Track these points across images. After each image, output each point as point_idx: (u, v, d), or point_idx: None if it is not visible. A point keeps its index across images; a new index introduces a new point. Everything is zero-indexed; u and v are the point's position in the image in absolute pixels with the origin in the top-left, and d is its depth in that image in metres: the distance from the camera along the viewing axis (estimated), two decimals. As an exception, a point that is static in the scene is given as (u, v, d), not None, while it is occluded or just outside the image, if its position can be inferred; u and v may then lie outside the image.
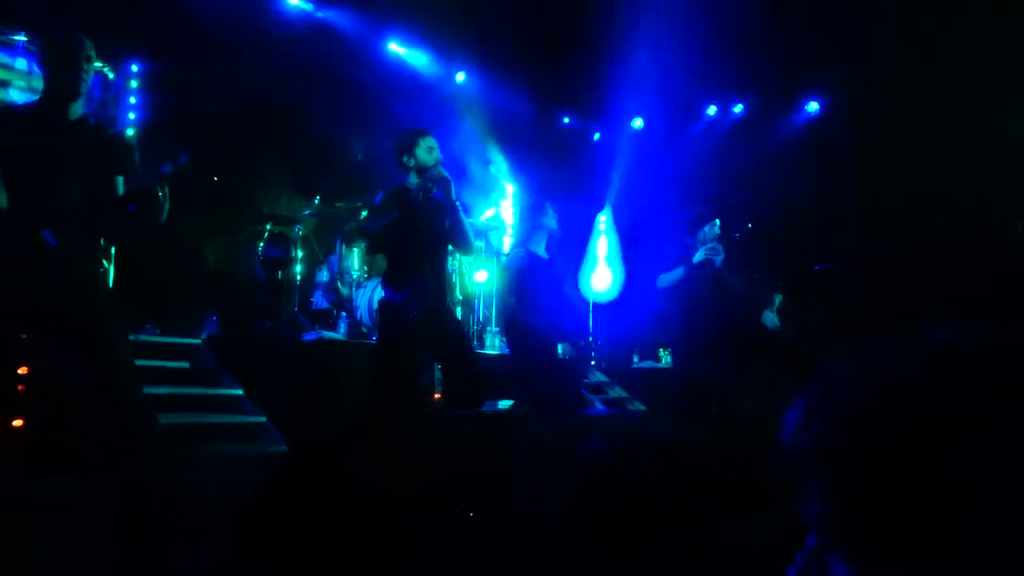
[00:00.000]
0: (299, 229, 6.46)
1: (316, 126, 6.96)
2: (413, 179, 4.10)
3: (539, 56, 7.53)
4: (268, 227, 6.50)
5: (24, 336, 3.17)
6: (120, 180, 3.27)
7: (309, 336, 5.77)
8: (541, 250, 4.96)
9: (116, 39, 5.29)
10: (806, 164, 7.95)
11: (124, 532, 2.35)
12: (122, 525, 2.37)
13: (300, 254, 6.45)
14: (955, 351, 0.55)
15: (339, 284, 6.55)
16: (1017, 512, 0.49)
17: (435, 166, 4.07)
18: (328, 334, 5.98)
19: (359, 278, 6.45)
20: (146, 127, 6.08)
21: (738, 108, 9.15)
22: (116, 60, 5.81)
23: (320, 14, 7.04)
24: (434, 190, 4.05)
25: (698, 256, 4.84)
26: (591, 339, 7.92)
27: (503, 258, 6.93)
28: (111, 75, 5.67)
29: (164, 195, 3.10)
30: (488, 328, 7.25)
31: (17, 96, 5.46)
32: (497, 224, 7.69)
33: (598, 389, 7.16)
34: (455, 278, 6.18)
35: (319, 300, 6.81)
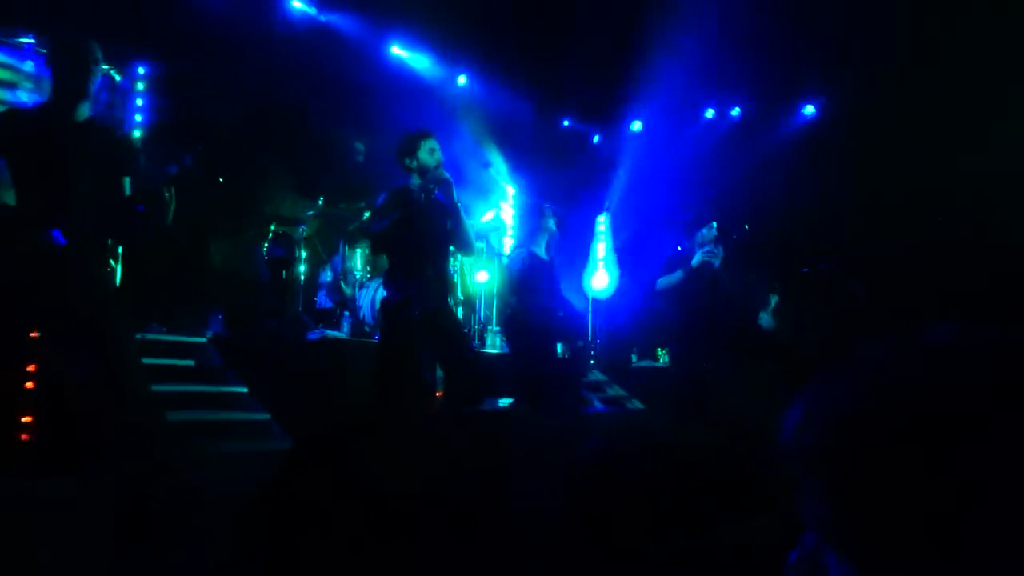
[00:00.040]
0: (303, 230, 6.45)
1: (319, 128, 6.96)
2: (415, 180, 4.09)
3: (539, 59, 7.53)
4: (272, 228, 6.49)
5: (33, 334, 3.16)
6: (127, 181, 3.28)
7: (313, 335, 5.77)
8: (541, 251, 4.96)
9: (123, 42, 5.29)
10: (806, 164, 7.91)
11: (126, 531, 2.34)
12: (123, 524, 2.36)
13: (304, 254, 6.44)
14: (955, 351, 0.54)
15: (342, 284, 6.55)
16: (1017, 512, 0.49)
17: (437, 168, 4.07)
18: (332, 333, 5.98)
19: (362, 278, 6.45)
20: (152, 129, 6.08)
21: (735, 111, 9.14)
22: (123, 62, 5.80)
23: (323, 17, 7.05)
24: (436, 191, 4.05)
25: (696, 259, 4.84)
26: (590, 338, 7.92)
27: (504, 259, 6.93)
28: (118, 77, 5.65)
29: (170, 196, 3.10)
30: (489, 327, 7.24)
31: (26, 98, 5.45)
32: (497, 225, 7.69)
33: (597, 388, 7.16)
34: (456, 278, 6.17)
35: (323, 300, 6.81)
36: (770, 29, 6.52)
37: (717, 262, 4.84)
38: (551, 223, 5.02)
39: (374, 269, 6.45)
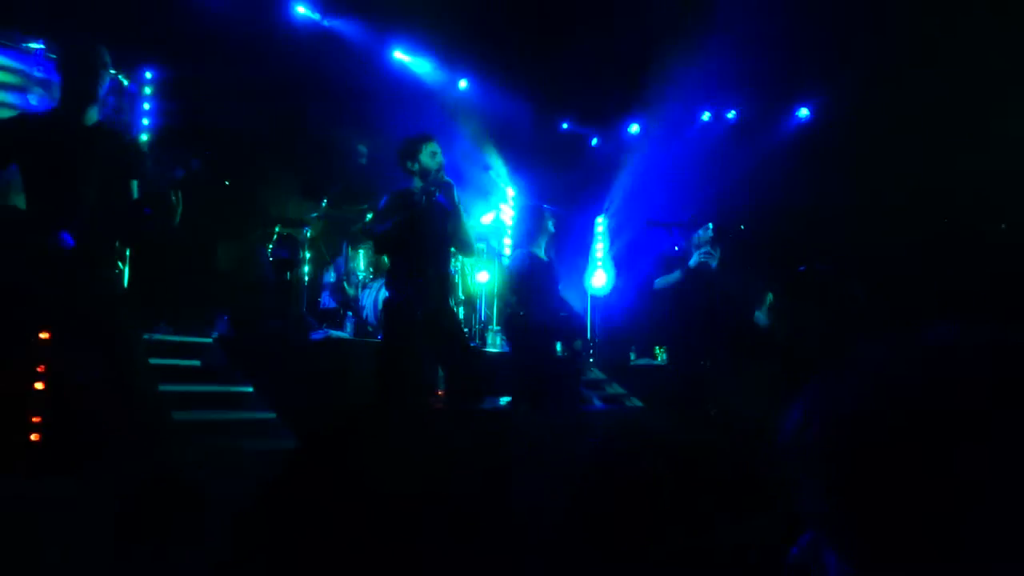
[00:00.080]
0: (307, 232, 6.45)
1: (323, 132, 6.96)
2: (417, 183, 4.09)
3: (538, 64, 7.52)
4: (277, 230, 6.49)
5: (42, 335, 3.16)
6: (135, 184, 3.27)
7: (317, 335, 5.76)
8: (541, 252, 4.96)
9: (130, 47, 5.28)
10: (805, 164, 7.87)
11: (126, 531, 2.33)
12: (124, 524, 2.36)
13: (308, 256, 6.44)
14: (955, 351, 0.53)
15: (345, 285, 6.54)
16: (1017, 512, 0.48)
17: (438, 171, 4.06)
18: (335, 333, 5.98)
19: (365, 279, 6.45)
20: (159, 133, 6.08)
21: (731, 114, 9.12)
22: (130, 67, 5.79)
23: (327, 23, 7.05)
24: (437, 194, 4.04)
25: (694, 260, 4.83)
26: (589, 337, 7.91)
27: (505, 259, 6.92)
28: (125, 82, 5.65)
29: (177, 199, 3.10)
30: (489, 327, 7.24)
31: (35, 103, 5.45)
32: (497, 227, 7.69)
33: (596, 386, 7.16)
34: (457, 279, 6.17)
35: (326, 300, 6.80)
36: (769, 29, 6.47)
37: (714, 263, 4.84)
38: (550, 224, 5.03)
39: (376, 270, 6.45)
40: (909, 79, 6.94)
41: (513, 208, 8.12)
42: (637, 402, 7.00)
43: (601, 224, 8.89)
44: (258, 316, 5.84)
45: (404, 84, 7.55)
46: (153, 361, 3.74)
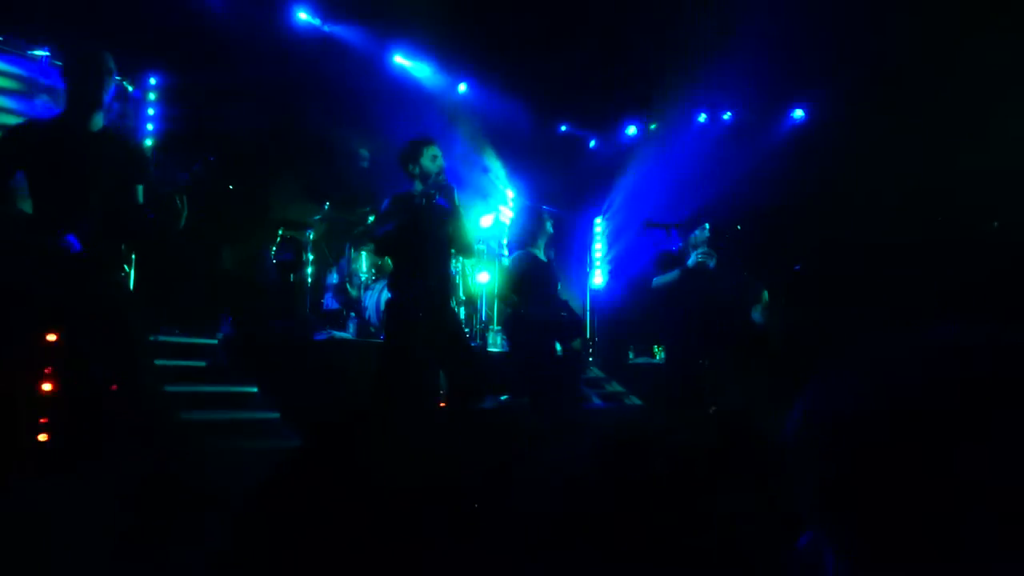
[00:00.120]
0: (310, 234, 6.46)
1: (324, 135, 6.97)
2: (418, 186, 4.09)
3: (536, 67, 7.52)
4: (281, 232, 6.49)
5: (50, 336, 3.15)
6: (140, 189, 3.27)
7: (320, 336, 5.76)
8: (540, 252, 4.96)
9: (135, 53, 5.28)
10: (802, 165, 7.83)
11: (133, 530, 2.33)
12: (130, 523, 2.35)
13: (311, 258, 6.44)
14: (955, 351, 0.53)
15: (348, 286, 6.54)
16: (1017, 512, 0.47)
17: (439, 174, 4.06)
18: (338, 334, 5.98)
19: (367, 280, 6.45)
20: (164, 138, 6.08)
21: (727, 116, 9.11)
22: (135, 73, 5.79)
23: (328, 28, 7.05)
24: (437, 197, 4.04)
25: (692, 260, 4.83)
26: (588, 336, 7.91)
27: (505, 260, 6.92)
28: (130, 88, 5.64)
29: (182, 203, 3.09)
30: (490, 327, 7.24)
31: (42, 109, 5.45)
32: (497, 228, 7.69)
33: (596, 384, 7.16)
34: (458, 280, 6.17)
35: (329, 301, 6.80)
36: (768, 30, 6.43)
37: (712, 263, 4.83)
38: (549, 225, 5.03)
39: (379, 272, 6.45)
40: (907, 79, 6.90)
41: (512, 209, 8.12)
42: (636, 400, 7.00)
43: (599, 225, 8.89)
44: (262, 317, 5.84)
45: (404, 88, 7.55)
46: (159, 362, 3.75)
